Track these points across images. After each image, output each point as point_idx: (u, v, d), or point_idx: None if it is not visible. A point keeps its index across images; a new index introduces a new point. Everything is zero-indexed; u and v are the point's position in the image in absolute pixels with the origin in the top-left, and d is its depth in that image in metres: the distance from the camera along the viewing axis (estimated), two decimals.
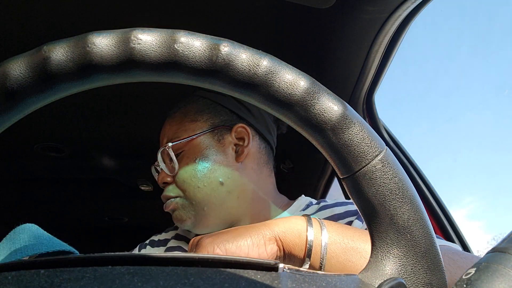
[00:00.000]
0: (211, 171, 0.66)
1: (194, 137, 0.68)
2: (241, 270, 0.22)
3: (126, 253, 0.24)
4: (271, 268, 0.23)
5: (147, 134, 1.18)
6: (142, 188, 1.55)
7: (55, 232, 0.53)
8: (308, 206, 0.70)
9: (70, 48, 0.23)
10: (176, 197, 0.67)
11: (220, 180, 0.66)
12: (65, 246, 0.37)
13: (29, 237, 0.37)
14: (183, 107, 0.72)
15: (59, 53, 0.23)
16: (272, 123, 0.77)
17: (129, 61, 0.23)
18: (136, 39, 0.23)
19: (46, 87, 0.23)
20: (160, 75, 0.25)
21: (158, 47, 0.23)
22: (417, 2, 0.68)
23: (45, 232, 0.39)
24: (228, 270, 0.22)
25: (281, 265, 0.24)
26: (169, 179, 0.68)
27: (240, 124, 0.70)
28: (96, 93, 0.99)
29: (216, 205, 0.66)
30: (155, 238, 0.79)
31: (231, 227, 0.64)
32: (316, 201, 0.72)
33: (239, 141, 0.70)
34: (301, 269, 0.24)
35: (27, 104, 0.24)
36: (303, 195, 0.74)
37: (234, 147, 0.70)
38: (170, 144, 0.66)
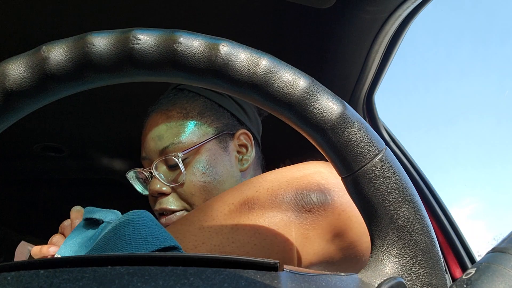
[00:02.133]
0: (220, 183, 0.60)
1: (203, 143, 0.60)
2: (241, 270, 0.22)
3: (126, 253, 0.24)
4: (271, 267, 0.23)
5: None
6: None
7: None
8: None
9: (69, 48, 0.23)
10: (181, 210, 0.60)
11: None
12: (174, 241, 0.36)
13: (144, 229, 0.36)
14: (179, 106, 0.63)
15: (58, 53, 0.23)
16: (260, 122, 0.73)
17: (128, 61, 0.23)
18: (135, 39, 0.23)
19: (46, 87, 0.23)
20: (160, 75, 0.24)
21: (157, 47, 0.23)
22: (417, 2, 0.67)
23: (157, 222, 0.38)
24: (228, 269, 0.22)
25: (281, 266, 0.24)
26: (165, 189, 0.60)
27: (242, 130, 0.65)
28: (96, 93, 0.99)
29: None
30: None
31: None
32: None
33: (241, 148, 0.65)
34: (301, 269, 0.24)
35: (27, 104, 0.24)
36: None
37: (237, 155, 0.64)
38: (181, 153, 0.58)
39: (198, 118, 0.62)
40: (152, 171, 0.61)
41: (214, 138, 0.62)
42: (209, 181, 0.59)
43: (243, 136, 0.65)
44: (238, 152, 0.64)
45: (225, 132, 0.63)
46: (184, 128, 0.61)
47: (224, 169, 0.61)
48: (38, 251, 0.47)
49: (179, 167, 0.59)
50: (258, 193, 0.42)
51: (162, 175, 0.60)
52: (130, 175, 0.67)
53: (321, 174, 0.43)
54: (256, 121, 0.70)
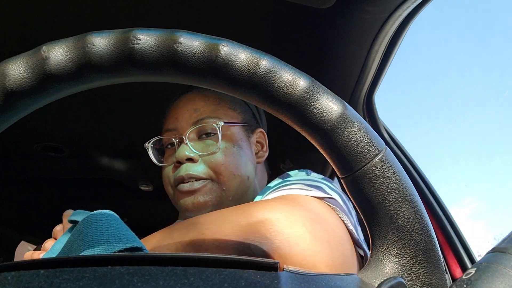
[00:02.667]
0: (245, 163, 0.64)
1: (236, 124, 0.65)
2: (241, 270, 0.22)
3: (126, 253, 0.24)
4: (271, 268, 0.23)
5: (147, 134, 1.18)
6: (142, 188, 1.55)
7: None
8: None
9: (69, 48, 0.23)
10: (206, 179, 0.61)
11: (248, 175, 0.65)
12: (138, 242, 0.36)
13: (111, 229, 0.36)
14: (213, 91, 0.67)
15: (58, 53, 0.23)
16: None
17: (128, 61, 0.23)
18: (135, 39, 0.23)
19: (46, 87, 0.23)
20: (160, 75, 0.24)
21: (158, 47, 0.23)
22: (417, 2, 0.67)
23: (121, 222, 0.38)
24: (228, 270, 0.22)
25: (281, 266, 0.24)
26: (193, 155, 0.61)
27: (261, 129, 0.71)
28: (96, 93, 0.99)
29: (239, 197, 0.64)
30: None
31: None
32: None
33: (256, 144, 0.70)
34: (301, 269, 0.24)
35: (27, 104, 0.24)
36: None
37: (255, 148, 0.70)
38: (222, 121, 0.62)
39: (232, 104, 0.67)
40: (184, 137, 0.63)
41: (243, 125, 0.67)
42: (237, 157, 0.63)
43: (260, 133, 0.71)
44: (256, 145, 0.70)
45: (249, 124, 0.69)
46: (220, 107, 0.66)
47: (248, 153, 0.66)
48: (30, 256, 0.49)
49: (212, 138, 0.63)
50: (204, 236, 0.43)
51: (193, 144, 0.63)
52: (149, 146, 0.68)
53: (265, 225, 0.42)
54: (265, 125, 0.76)
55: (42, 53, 0.23)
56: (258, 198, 0.62)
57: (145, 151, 0.69)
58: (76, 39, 0.23)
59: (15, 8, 0.72)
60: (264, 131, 0.72)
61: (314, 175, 0.61)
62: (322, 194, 0.50)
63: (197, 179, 0.61)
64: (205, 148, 0.62)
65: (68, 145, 1.26)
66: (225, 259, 0.23)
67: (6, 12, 0.73)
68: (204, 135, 0.63)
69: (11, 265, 0.21)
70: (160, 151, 0.70)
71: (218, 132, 0.61)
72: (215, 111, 0.65)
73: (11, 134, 1.16)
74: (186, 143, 0.62)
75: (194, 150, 0.62)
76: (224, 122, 0.62)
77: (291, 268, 0.24)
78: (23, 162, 1.35)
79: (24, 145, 1.25)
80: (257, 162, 0.69)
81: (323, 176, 0.61)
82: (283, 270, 0.23)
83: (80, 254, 0.22)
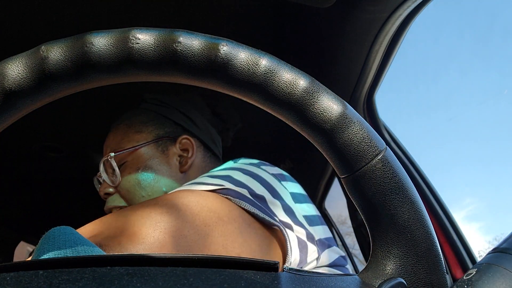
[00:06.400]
0: (155, 180, 0.68)
1: (137, 147, 0.69)
2: (241, 270, 0.22)
3: (125, 253, 0.23)
4: (270, 268, 0.23)
5: None
6: None
7: None
8: None
9: (68, 48, 0.23)
10: (122, 207, 0.68)
11: (164, 189, 0.68)
12: (100, 253, 0.37)
13: (57, 243, 0.36)
14: (127, 119, 0.74)
15: (57, 53, 0.23)
16: (217, 134, 0.81)
17: (128, 61, 0.23)
18: (134, 39, 0.23)
19: (45, 87, 0.23)
20: (159, 74, 0.24)
21: (157, 46, 0.23)
22: (417, 2, 0.67)
23: (78, 234, 0.38)
24: (228, 270, 0.22)
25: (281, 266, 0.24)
26: (111, 189, 0.69)
27: (184, 136, 0.73)
28: (96, 93, 0.99)
29: None
30: None
31: None
32: None
33: (184, 152, 0.72)
34: (301, 269, 0.24)
35: (26, 104, 0.24)
36: None
37: (178, 158, 0.72)
38: (112, 154, 0.68)
39: (139, 127, 0.72)
40: (99, 178, 0.72)
41: (153, 142, 0.71)
42: (143, 179, 0.67)
43: (184, 140, 0.73)
44: (180, 155, 0.72)
45: (165, 137, 0.72)
46: (124, 136, 0.71)
47: (161, 168, 0.69)
48: None
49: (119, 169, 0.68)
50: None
51: (107, 178, 0.70)
52: (95, 181, 0.77)
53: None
54: (207, 129, 0.78)
55: (41, 52, 0.23)
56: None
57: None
58: (75, 38, 0.23)
59: (15, 8, 0.72)
60: (189, 137, 0.73)
61: (231, 164, 0.63)
62: (213, 187, 0.52)
63: (116, 208, 0.69)
64: (115, 180, 0.69)
65: (68, 145, 1.26)
66: (225, 259, 0.23)
67: (6, 12, 0.73)
68: (112, 168, 0.69)
69: (10, 265, 0.21)
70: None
71: (113, 165, 0.67)
72: (120, 142, 0.71)
73: (11, 134, 1.16)
74: (100, 179, 0.71)
75: (109, 183, 0.69)
76: (115, 154, 0.68)
77: (291, 268, 0.24)
78: (23, 162, 1.35)
79: (23, 145, 1.25)
80: (182, 171, 0.71)
81: (244, 162, 0.63)
82: (283, 271, 0.23)
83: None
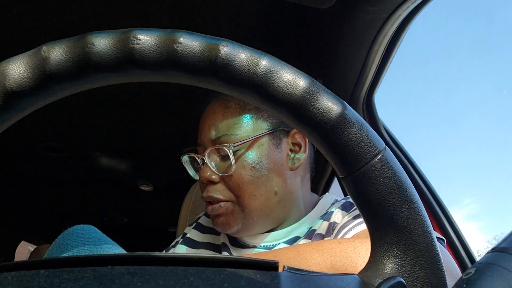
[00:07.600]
0: (269, 179, 0.61)
1: (256, 137, 0.61)
2: (241, 270, 0.22)
3: (126, 253, 0.24)
4: (271, 267, 0.23)
5: (147, 134, 1.18)
6: (142, 188, 1.55)
7: (54, 233, 0.53)
8: (332, 204, 0.68)
9: (69, 48, 0.23)
10: (227, 201, 0.61)
11: (275, 189, 0.61)
12: (121, 251, 0.37)
13: (81, 240, 0.36)
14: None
15: (58, 53, 0.23)
16: None
17: (128, 61, 0.23)
18: (135, 39, 0.23)
19: (46, 87, 0.23)
20: (160, 75, 0.24)
21: (158, 47, 0.23)
22: (417, 2, 0.67)
23: (100, 233, 0.38)
24: (228, 269, 0.22)
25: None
26: (215, 177, 0.61)
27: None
28: (96, 93, 0.99)
29: (266, 214, 0.62)
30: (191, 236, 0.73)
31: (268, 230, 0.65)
32: (340, 198, 0.69)
33: (294, 146, 0.65)
34: (301, 268, 0.24)
35: (27, 104, 0.24)
36: (327, 193, 0.73)
37: (289, 154, 0.64)
38: (233, 145, 0.59)
39: (254, 111, 0.63)
40: (204, 158, 0.61)
41: (268, 133, 0.62)
42: (257, 176, 0.60)
43: (298, 134, 0.65)
44: (291, 150, 0.65)
45: (281, 128, 0.63)
46: (239, 120, 0.62)
47: (274, 165, 0.61)
48: None
49: (230, 158, 0.59)
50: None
51: (213, 164, 0.61)
52: (184, 159, 0.67)
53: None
54: None
55: (42, 53, 0.23)
56: (319, 221, 0.63)
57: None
58: (76, 39, 0.23)
59: (15, 8, 0.72)
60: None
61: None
62: None
63: (218, 201, 0.61)
64: (225, 168, 0.61)
65: (68, 145, 1.27)
66: (225, 259, 0.23)
67: (7, 12, 0.73)
68: (223, 155, 0.61)
69: (11, 265, 0.21)
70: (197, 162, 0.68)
71: (230, 156, 0.59)
72: (232, 126, 0.61)
73: (11, 134, 1.16)
74: (206, 163, 0.61)
75: (215, 171, 0.61)
76: (235, 144, 0.59)
77: (291, 267, 0.24)
78: (23, 162, 1.35)
79: (24, 145, 1.25)
80: (292, 169, 0.64)
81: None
82: (283, 270, 0.23)
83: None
